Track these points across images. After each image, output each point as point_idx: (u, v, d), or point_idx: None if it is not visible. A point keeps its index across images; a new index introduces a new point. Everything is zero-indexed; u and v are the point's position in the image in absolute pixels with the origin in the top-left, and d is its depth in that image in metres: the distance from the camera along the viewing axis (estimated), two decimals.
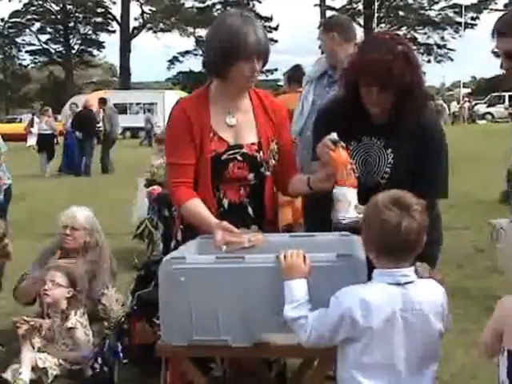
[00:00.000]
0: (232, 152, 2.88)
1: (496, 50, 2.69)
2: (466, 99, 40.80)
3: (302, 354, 2.60)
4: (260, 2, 50.48)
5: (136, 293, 3.95)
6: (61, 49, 52.12)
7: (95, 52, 54.27)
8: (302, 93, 4.28)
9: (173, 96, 29.57)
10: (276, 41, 48.68)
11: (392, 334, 2.08)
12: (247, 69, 2.79)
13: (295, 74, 5.59)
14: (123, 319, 3.82)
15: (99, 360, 3.59)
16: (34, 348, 3.54)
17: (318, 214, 2.88)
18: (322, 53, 4.40)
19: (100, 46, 53.48)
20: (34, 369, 3.46)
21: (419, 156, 2.83)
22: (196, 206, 2.80)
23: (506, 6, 49.08)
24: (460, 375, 2.61)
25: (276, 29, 49.90)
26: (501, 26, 2.66)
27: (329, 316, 2.13)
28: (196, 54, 51.07)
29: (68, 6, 50.28)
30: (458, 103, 39.37)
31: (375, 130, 2.85)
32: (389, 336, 2.08)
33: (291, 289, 2.24)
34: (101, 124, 17.60)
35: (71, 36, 52.01)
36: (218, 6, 49.26)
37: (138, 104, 33.48)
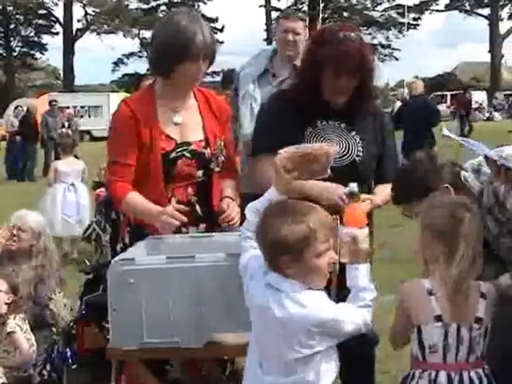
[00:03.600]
0: (180, 149, 2.88)
1: None
2: None
3: None
4: (205, 3, 50.35)
5: (85, 297, 3.90)
6: (1, 51, 50.96)
7: (38, 55, 53.24)
8: (246, 93, 4.09)
9: (118, 99, 29.19)
10: (222, 42, 48.58)
11: (259, 324, 2.10)
12: (193, 69, 2.79)
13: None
14: (72, 324, 3.77)
15: (47, 366, 3.54)
16: None
17: None
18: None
19: (42, 48, 52.43)
20: None
21: (379, 138, 2.97)
22: (135, 197, 2.82)
23: (446, 6, 50.32)
24: (408, 370, 2.68)
25: (221, 30, 49.77)
26: (398, 198, 2.65)
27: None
28: (141, 56, 50.53)
29: (8, 8, 49.19)
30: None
31: (331, 113, 2.88)
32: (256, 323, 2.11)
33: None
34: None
35: (12, 38, 50.91)
36: (163, 8, 48.93)
37: (82, 107, 32.99)
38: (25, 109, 18.12)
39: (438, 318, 2.18)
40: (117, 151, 2.90)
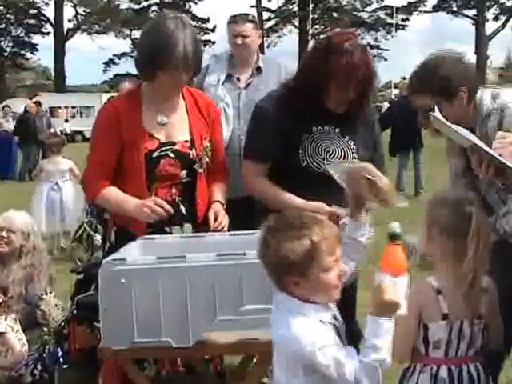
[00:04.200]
0: (164, 149, 2.89)
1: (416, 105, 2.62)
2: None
3: (242, 351, 2.62)
4: (196, 3, 50.24)
5: (76, 297, 3.91)
6: None
7: (28, 55, 52.99)
8: (216, 99, 3.83)
9: None
10: (213, 42, 48.57)
11: None
12: (173, 79, 2.80)
13: None
14: (63, 324, 3.77)
15: (39, 366, 3.54)
16: None
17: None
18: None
19: (33, 48, 52.17)
20: None
21: (371, 142, 2.99)
22: (112, 191, 2.85)
23: (434, 7, 50.40)
24: (399, 367, 2.71)
25: (213, 30, 49.77)
26: (415, 85, 2.64)
27: None
28: (132, 56, 50.34)
29: None
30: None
31: (326, 119, 2.88)
32: None
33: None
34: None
35: (3, 38, 50.65)
36: (154, 8, 48.76)
37: (74, 107, 32.89)
38: (13, 109, 18.09)
39: (445, 316, 2.21)
40: (95, 148, 2.95)
